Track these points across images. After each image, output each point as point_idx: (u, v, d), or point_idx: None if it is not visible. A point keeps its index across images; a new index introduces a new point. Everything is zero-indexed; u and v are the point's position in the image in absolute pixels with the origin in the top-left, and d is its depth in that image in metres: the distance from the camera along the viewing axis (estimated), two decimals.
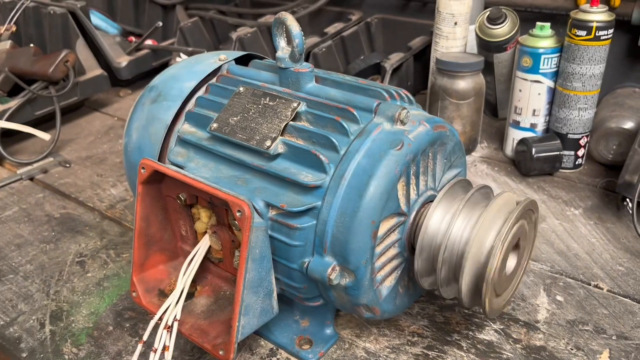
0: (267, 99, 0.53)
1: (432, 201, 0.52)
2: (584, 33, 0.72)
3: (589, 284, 0.62)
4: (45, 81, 0.99)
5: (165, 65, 1.21)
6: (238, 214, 0.45)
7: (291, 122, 0.50)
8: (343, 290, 0.48)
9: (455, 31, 0.84)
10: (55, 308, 0.63)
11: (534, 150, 0.79)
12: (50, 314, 0.62)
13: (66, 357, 0.57)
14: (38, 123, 0.99)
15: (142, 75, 1.20)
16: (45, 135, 0.94)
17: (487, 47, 0.85)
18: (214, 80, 0.60)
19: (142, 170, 0.51)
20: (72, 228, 0.77)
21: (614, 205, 0.74)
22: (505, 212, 0.47)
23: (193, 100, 0.58)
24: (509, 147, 0.86)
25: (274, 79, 0.56)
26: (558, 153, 0.79)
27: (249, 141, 0.51)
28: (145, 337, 0.50)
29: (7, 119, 0.93)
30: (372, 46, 1.12)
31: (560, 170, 0.82)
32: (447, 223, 0.48)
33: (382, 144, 0.47)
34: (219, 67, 0.60)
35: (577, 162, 0.81)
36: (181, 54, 1.16)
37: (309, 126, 0.50)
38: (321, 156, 0.47)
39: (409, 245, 0.51)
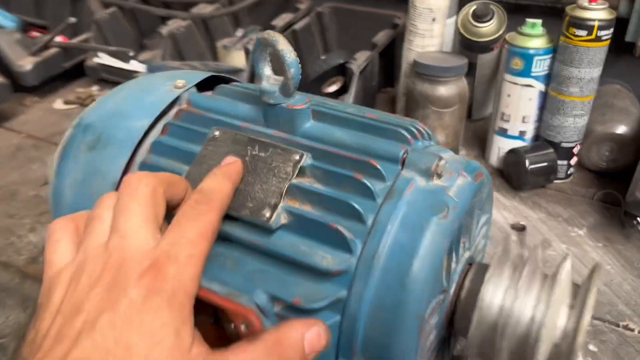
0: (256, 148, 0.40)
1: (470, 264, 0.42)
2: (584, 33, 0.64)
3: (618, 326, 0.56)
4: None
5: (79, 67, 1.02)
6: (243, 328, 0.33)
7: (295, 182, 0.38)
8: None
9: (433, 28, 0.74)
10: None
11: (527, 162, 0.71)
12: None
13: None
14: None
15: (51, 79, 1.00)
16: None
17: (470, 47, 0.75)
18: (171, 116, 0.46)
19: None
20: None
21: (617, 221, 0.68)
22: (570, 284, 0.38)
23: (146, 146, 0.44)
24: (494, 157, 0.78)
25: (255, 115, 0.43)
26: (552, 164, 0.72)
27: (240, 210, 0.38)
28: None
29: None
30: (325, 41, 1.00)
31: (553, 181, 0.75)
32: (502, 299, 0.38)
33: (422, 210, 0.36)
34: (177, 98, 0.46)
35: (568, 172, 0.75)
36: (99, 54, 0.98)
37: (319, 186, 0.38)
38: (343, 230, 0.36)
39: (448, 323, 0.41)
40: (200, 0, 1.03)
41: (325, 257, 0.36)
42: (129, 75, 0.96)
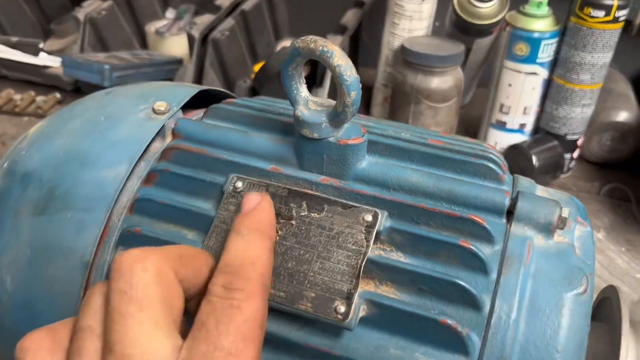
0: (304, 206, 0.28)
1: None
2: (601, 14, 0.57)
3: None
4: None
5: None
6: None
7: (372, 255, 0.26)
8: None
9: (422, 9, 0.64)
10: None
11: (534, 158, 0.63)
12: None
13: None
14: None
15: None
16: None
17: (466, 29, 0.66)
18: (152, 153, 0.32)
19: None
20: None
21: (631, 218, 0.63)
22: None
23: (123, 204, 0.30)
24: None
25: (283, 152, 0.30)
26: (559, 159, 0.65)
27: (296, 303, 0.26)
28: None
29: None
30: (276, 22, 0.86)
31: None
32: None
33: (552, 284, 0.26)
34: (161, 129, 0.33)
35: (570, 165, 0.68)
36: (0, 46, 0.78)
37: (407, 260, 0.27)
38: (455, 324, 0.25)
39: None
40: None
41: None
42: (38, 71, 0.78)
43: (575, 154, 0.68)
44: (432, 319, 0.25)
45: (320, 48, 0.26)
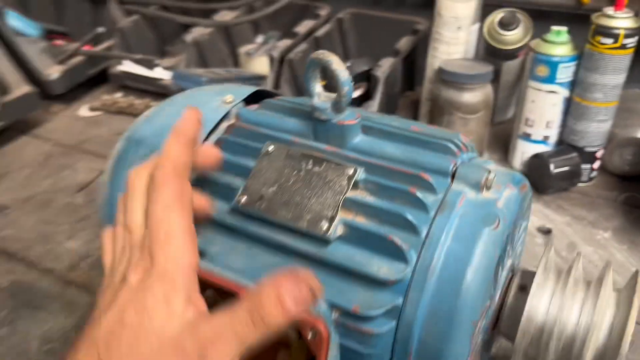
0: (310, 162, 0.42)
1: (513, 271, 0.44)
2: (610, 41, 0.66)
3: None
4: None
5: (103, 74, 1.04)
6: (311, 335, 0.35)
7: (350, 195, 0.40)
8: None
9: (458, 36, 0.76)
10: None
11: (552, 166, 0.72)
12: None
13: None
14: None
15: (76, 86, 1.02)
16: None
17: (495, 54, 0.77)
18: (222, 131, 0.47)
19: None
20: (28, 302, 0.62)
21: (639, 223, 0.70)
22: (612, 292, 0.40)
23: None
24: (517, 161, 0.79)
25: (305, 130, 0.45)
26: (576, 168, 0.73)
27: (297, 221, 0.39)
28: None
29: None
30: (345, 47, 1.01)
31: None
32: (548, 306, 0.40)
33: (473, 222, 0.38)
34: (227, 113, 0.48)
35: (591, 175, 0.76)
36: (123, 61, 0.99)
37: (374, 200, 0.40)
38: (399, 241, 0.37)
39: (492, 327, 0.43)
40: (221, 8, 1.04)
41: (382, 267, 0.38)
42: (153, 82, 0.98)
43: (596, 165, 0.76)
44: (385, 237, 0.38)
45: (325, 58, 0.40)
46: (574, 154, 0.74)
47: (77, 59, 0.99)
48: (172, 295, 0.33)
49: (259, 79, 0.91)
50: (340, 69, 0.40)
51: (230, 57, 1.03)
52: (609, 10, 0.66)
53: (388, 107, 0.91)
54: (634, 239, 0.68)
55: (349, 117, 0.43)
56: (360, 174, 0.40)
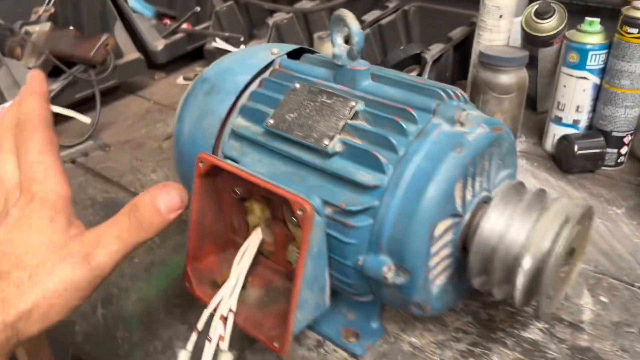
0: (324, 96, 0.53)
1: (486, 202, 0.52)
2: (635, 31, 0.71)
3: (633, 285, 0.63)
4: (85, 64, 1.00)
5: (199, 50, 1.21)
6: (299, 213, 0.46)
7: (349, 121, 0.51)
8: (397, 289, 0.49)
9: (500, 24, 0.84)
10: (106, 293, 0.65)
11: (576, 147, 0.78)
12: (102, 298, 0.64)
13: (120, 342, 0.59)
14: (77, 105, 1.00)
15: (176, 59, 1.20)
16: (86, 119, 0.94)
17: (532, 41, 0.84)
18: (267, 74, 0.60)
19: (200, 165, 0.52)
20: (114, 212, 0.79)
21: None
22: (563, 216, 0.47)
23: (247, 95, 0.59)
24: (549, 143, 0.85)
25: (328, 76, 0.56)
26: (601, 151, 0.78)
27: (306, 139, 0.51)
28: (200, 327, 0.51)
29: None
30: (409, 35, 1.11)
31: (602, 167, 0.81)
32: (503, 225, 0.49)
33: (442, 147, 0.48)
34: (272, 62, 0.61)
35: (619, 160, 0.81)
36: (217, 39, 1.16)
37: (368, 126, 0.50)
38: (380, 157, 0.48)
39: (462, 245, 0.52)
40: None
41: (365, 176, 0.48)
42: None
43: (623, 150, 0.80)
44: (371, 153, 0.48)
45: (342, 14, 0.52)
46: (600, 138, 0.79)
47: (179, 36, 1.17)
48: (56, 216, 0.38)
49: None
50: (353, 22, 0.51)
51: (306, 40, 1.16)
52: (638, 3, 0.72)
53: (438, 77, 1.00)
54: None
55: (360, 64, 0.54)
56: (360, 106, 0.51)
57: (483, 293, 0.54)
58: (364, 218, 0.48)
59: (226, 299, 0.52)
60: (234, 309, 0.52)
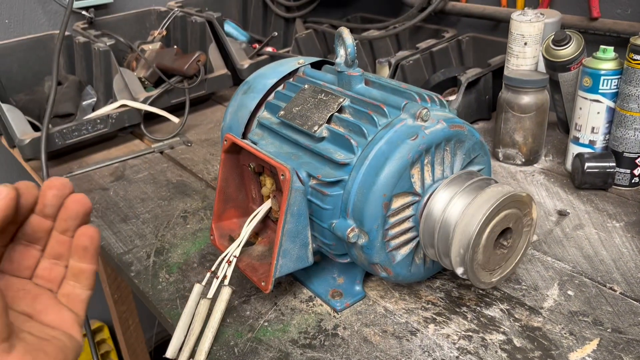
0: (323, 94, 0.67)
1: None
2: (639, 57, 0.77)
3: (604, 285, 0.68)
4: (181, 76, 1.21)
5: None
6: (281, 177, 0.60)
7: (336, 114, 0.64)
8: (360, 249, 0.61)
9: (525, 51, 0.92)
10: (160, 246, 0.82)
11: (586, 164, 0.84)
12: (155, 250, 0.81)
13: (160, 279, 0.75)
14: (173, 109, 1.22)
15: None
16: (175, 119, 1.16)
17: (552, 66, 0.91)
18: (291, 79, 0.75)
19: (225, 142, 0.68)
20: (183, 191, 0.97)
21: None
22: (493, 199, 0.56)
23: (273, 94, 0.74)
24: (569, 161, 0.91)
25: (334, 80, 0.70)
26: (610, 170, 0.83)
27: (303, 126, 0.65)
28: (213, 268, 0.66)
29: (149, 104, 1.17)
30: (463, 62, 1.21)
31: (616, 187, 0.86)
32: (446, 203, 0.58)
33: (401, 135, 0.59)
34: (297, 69, 0.76)
35: (633, 181, 0.85)
36: None
37: (349, 117, 0.63)
38: (352, 140, 0.60)
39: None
40: (373, 27, 1.33)
41: (340, 155, 0.61)
42: None
43: (637, 171, 0.84)
44: (345, 137, 0.61)
45: (341, 31, 0.65)
46: (610, 157, 0.83)
47: (263, 57, 1.36)
48: None
49: None
50: (347, 37, 0.65)
51: (370, 65, 1.30)
52: None
53: (478, 111, 1.09)
54: None
55: (355, 71, 0.67)
56: (346, 102, 0.64)
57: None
58: (336, 189, 0.61)
59: (233, 248, 0.67)
60: (237, 255, 0.66)
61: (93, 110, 1.18)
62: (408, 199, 0.60)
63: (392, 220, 0.60)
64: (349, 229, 0.59)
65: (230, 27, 1.43)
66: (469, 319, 0.65)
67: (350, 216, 0.60)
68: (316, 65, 0.78)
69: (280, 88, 0.74)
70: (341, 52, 0.68)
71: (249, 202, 0.74)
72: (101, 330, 1.63)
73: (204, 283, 0.66)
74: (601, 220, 0.79)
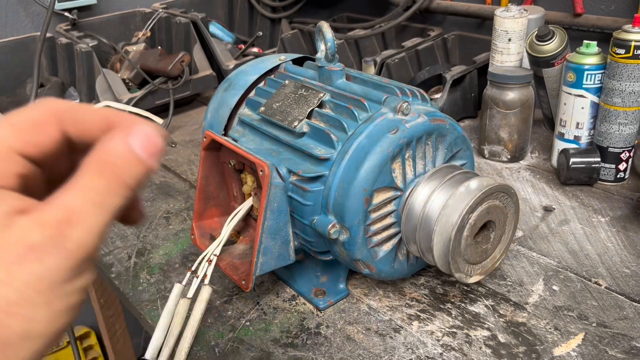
0: (303, 89, 0.66)
1: None
2: (622, 51, 0.77)
3: (590, 280, 0.67)
4: (165, 77, 1.20)
5: None
6: (260, 173, 0.59)
7: (316, 108, 0.63)
8: (342, 245, 0.60)
9: (509, 47, 0.91)
10: (141, 247, 0.81)
11: (571, 160, 0.83)
12: (137, 251, 0.80)
13: (141, 280, 0.74)
14: (157, 111, 1.21)
15: None
16: (159, 120, 1.15)
17: (536, 62, 0.90)
18: (272, 75, 0.74)
19: (204, 139, 0.67)
20: (166, 192, 0.96)
21: None
22: (473, 193, 0.55)
23: (254, 90, 0.73)
24: (554, 157, 0.90)
25: (315, 76, 0.69)
26: (595, 165, 0.83)
27: (283, 122, 0.64)
28: (193, 268, 0.65)
29: (133, 106, 1.15)
30: (449, 60, 1.20)
31: (601, 182, 0.85)
32: (426, 198, 0.58)
33: (381, 129, 0.58)
34: (278, 65, 0.75)
35: (618, 176, 0.84)
36: None
37: (329, 112, 0.62)
38: (332, 135, 0.59)
39: (405, 219, 0.61)
40: (359, 27, 1.32)
41: (321, 150, 0.60)
42: None
43: (622, 166, 0.84)
44: (326, 132, 0.60)
45: (320, 26, 0.65)
46: (595, 153, 0.83)
47: (248, 58, 1.35)
48: None
49: None
50: (327, 31, 0.64)
51: (356, 64, 1.29)
52: (628, 26, 0.77)
53: (464, 108, 1.08)
54: (627, 225, 0.76)
55: (336, 66, 0.66)
56: (326, 97, 0.63)
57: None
58: (317, 185, 0.60)
59: (214, 247, 0.65)
60: (217, 254, 0.65)
61: None
62: (389, 193, 0.59)
63: (374, 215, 0.59)
64: (330, 225, 0.58)
65: (215, 28, 1.42)
66: (453, 315, 0.64)
67: (331, 212, 0.59)
68: (298, 62, 0.77)
69: (261, 84, 0.73)
70: (321, 46, 0.67)
71: (230, 201, 0.73)
72: (88, 336, 1.61)
73: (184, 283, 0.65)
74: (587, 215, 0.79)
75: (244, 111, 0.72)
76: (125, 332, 1.39)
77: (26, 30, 1.34)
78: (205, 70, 1.29)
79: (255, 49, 1.38)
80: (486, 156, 0.95)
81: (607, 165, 0.84)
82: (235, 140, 0.69)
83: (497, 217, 0.58)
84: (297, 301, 0.68)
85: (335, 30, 1.42)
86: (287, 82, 0.69)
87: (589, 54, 0.82)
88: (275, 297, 0.69)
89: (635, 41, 0.76)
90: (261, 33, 1.28)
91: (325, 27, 0.64)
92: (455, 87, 1.03)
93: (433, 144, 0.61)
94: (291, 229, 0.62)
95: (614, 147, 0.83)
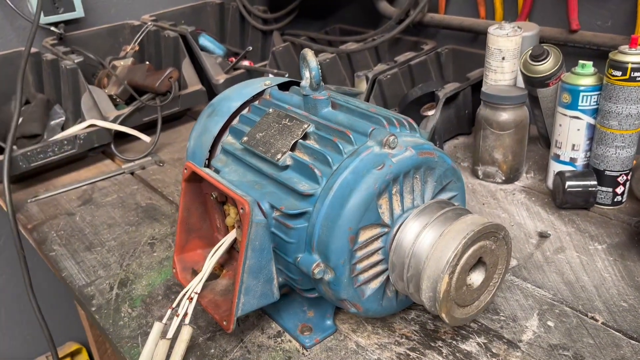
0: (287, 119, 0.63)
1: None
2: (619, 73, 0.74)
3: (586, 315, 0.65)
4: (153, 93, 1.18)
5: None
6: (241, 211, 0.56)
7: (300, 140, 0.60)
8: (327, 285, 0.57)
9: (503, 65, 0.89)
10: (124, 277, 0.78)
11: (567, 183, 0.81)
12: (119, 281, 0.77)
13: (122, 314, 0.71)
14: (145, 127, 1.18)
15: None
16: (146, 138, 1.12)
17: (530, 82, 0.88)
18: (257, 102, 0.72)
19: (185, 171, 0.64)
20: (152, 216, 0.93)
21: (638, 245, 0.74)
22: (464, 232, 0.53)
23: (238, 117, 0.71)
24: (550, 179, 0.88)
25: (300, 103, 0.67)
26: (591, 188, 0.80)
27: (266, 153, 0.61)
28: (174, 305, 0.62)
29: (120, 123, 1.13)
30: (442, 75, 1.18)
31: (598, 206, 0.83)
32: (415, 235, 0.55)
33: (367, 164, 0.56)
34: (263, 91, 0.72)
35: (615, 199, 0.82)
36: (270, 75, 1.30)
37: (314, 144, 0.60)
38: (316, 170, 0.57)
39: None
40: (351, 40, 1.29)
41: (304, 185, 0.57)
42: None
43: (619, 190, 0.81)
44: (310, 168, 0.57)
45: (304, 54, 0.62)
46: (592, 177, 0.81)
47: (239, 72, 1.33)
48: None
49: (356, 94, 1.13)
50: (312, 59, 0.61)
51: (349, 79, 1.27)
52: (624, 48, 0.75)
53: (458, 126, 1.06)
54: (624, 254, 0.73)
55: (321, 94, 0.64)
56: (311, 128, 0.61)
57: None
58: (300, 221, 0.57)
59: (195, 284, 0.63)
60: (198, 292, 0.62)
61: (62, 129, 1.14)
62: (376, 230, 0.57)
63: (360, 254, 0.56)
64: (314, 265, 0.56)
65: (206, 41, 1.40)
66: (444, 354, 0.61)
67: (316, 250, 0.56)
68: (285, 86, 0.74)
69: (245, 111, 0.71)
70: (306, 74, 0.64)
71: (213, 232, 0.70)
72: (79, 352, 1.58)
73: (164, 321, 0.63)
74: (583, 242, 0.76)
75: (228, 139, 0.69)
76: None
77: (12, 44, 1.31)
78: (194, 85, 1.26)
79: (246, 62, 1.35)
80: (480, 177, 0.93)
81: (604, 189, 0.81)
82: (218, 171, 0.66)
83: (488, 257, 0.55)
84: (282, 338, 0.66)
85: (327, 42, 1.39)
86: (271, 110, 0.66)
87: (585, 75, 0.80)
88: (260, 333, 0.67)
89: (632, 63, 0.73)
90: (251, 48, 1.26)
91: (309, 55, 0.62)
92: (448, 105, 1.01)
93: (421, 177, 0.58)
94: (274, 267, 0.59)
95: (611, 171, 0.80)
